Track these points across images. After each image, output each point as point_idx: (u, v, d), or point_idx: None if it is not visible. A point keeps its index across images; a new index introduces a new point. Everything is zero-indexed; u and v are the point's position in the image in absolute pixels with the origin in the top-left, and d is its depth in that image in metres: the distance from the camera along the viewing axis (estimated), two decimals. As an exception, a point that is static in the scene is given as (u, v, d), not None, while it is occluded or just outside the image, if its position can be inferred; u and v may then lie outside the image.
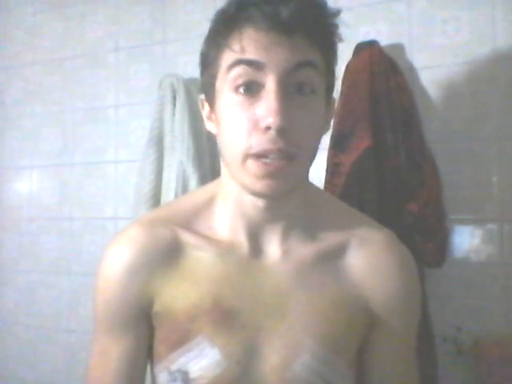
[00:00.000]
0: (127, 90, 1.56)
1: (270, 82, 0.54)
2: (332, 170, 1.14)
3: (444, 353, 1.09)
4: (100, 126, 1.59)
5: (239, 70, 0.55)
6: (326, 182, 1.14)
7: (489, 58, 1.13)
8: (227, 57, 0.57)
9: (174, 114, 1.34)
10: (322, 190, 0.72)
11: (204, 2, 1.41)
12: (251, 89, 0.55)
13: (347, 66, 1.18)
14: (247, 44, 0.55)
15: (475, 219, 1.14)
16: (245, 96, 0.56)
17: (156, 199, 1.35)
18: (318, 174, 1.18)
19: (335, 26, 0.60)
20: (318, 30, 0.57)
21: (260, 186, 0.56)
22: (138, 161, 1.42)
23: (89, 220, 1.59)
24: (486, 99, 1.13)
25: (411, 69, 1.19)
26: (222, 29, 0.58)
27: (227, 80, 0.57)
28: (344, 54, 1.20)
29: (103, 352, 0.66)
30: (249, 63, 0.55)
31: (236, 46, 0.55)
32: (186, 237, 0.65)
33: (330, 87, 0.63)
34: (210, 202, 0.68)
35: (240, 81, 0.55)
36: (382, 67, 1.13)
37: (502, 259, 1.11)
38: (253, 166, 0.56)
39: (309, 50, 0.56)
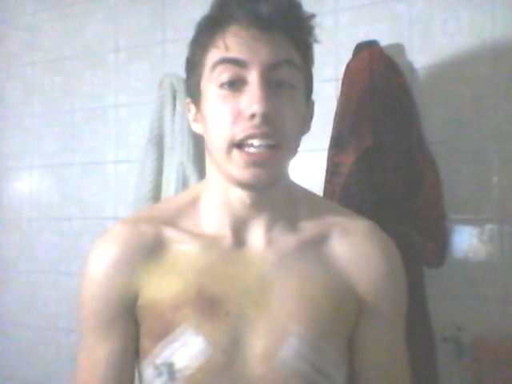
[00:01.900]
0: (127, 89, 1.56)
1: (253, 77, 0.57)
2: (332, 169, 1.14)
3: (444, 353, 1.09)
4: (100, 126, 1.59)
5: (223, 67, 0.58)
6: (326, 181, 1.14)
7: (489, 57, 1.13)
8: (212, 55, 0.60)
9: (173, 114, 1.34)
10: (301, 186, 0.74)
11: (204, 2, 1.40)
12: (235, 84, 0.58)
13: (347, 66, 1.18)
14: (230, 41, 0.58)
15: (475, 219, 1.14)
16: (229, 91, 0.59)
17: (156, 199, 1.35)
18: (318, 174, 1.18)
19: (311, 28, 0.62)
20: (296, 28, 0.60)
21: (245, 175, 0.59)
22: (137, 161, 1.42)
23: (89, 220, 1.59)
24: (486, 99, 1.13)
25: (411, 69, 1.19)
26: (207, 29, 0.62)
27: (212, 77, 0.60)
28: (344, 54, 1.21)
29: (90, 352, 0.66)
30: (232, 61, 0.58)
31: (220, 44, 0.59)
32: (170, 232, 0.66)
33: (308, 87, 0.65)
34: (194, 201, 0.70)
35: (224, 78, 0.59)
36: (382, 67, 1.13)
37: (501, 259, 1.11)
38: (238, 156, 0.58)
39: (287, 48, 0.59)
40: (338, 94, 1.18)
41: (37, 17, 1.73)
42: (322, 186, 1.14)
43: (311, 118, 0.69)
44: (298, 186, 0.74)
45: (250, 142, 0.57)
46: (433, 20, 1.18)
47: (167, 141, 1.35)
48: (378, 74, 1.13)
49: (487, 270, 1.12)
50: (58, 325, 1.60)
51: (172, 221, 0.68)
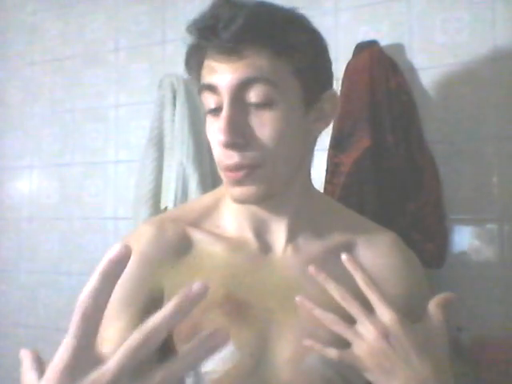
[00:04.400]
0: (127, 90, 1.56)
1: (225, 102, 0.58)
2: (332, 169, 1.14)
3: (444, 353, 1.09)
4: (100, 126, 1.59)
5: (205, 94, 0.61)
6: (326, 181, 1.14)
7: (489, 57, 1.13)
8: (197, 83, 0.63)
9: (173, 114, 1.34)
10: (322, 193, 0.74)
11: (204, 2, 1.41)
12: (217, 111, 0.60)
13: (347, 66, 1.18)
14: (205, 70, 0.60)
15: (475, 219, 1.14)
16: (213, 117, 0.61)
17: (156, 199, 1.35)
18: (318, 174, 1.18)
19: (292, 30, 0.59)
20: (271, 40, 0.57)
21: (233, 193, 0.60)
22: (137, 161, 1.43)
23: (89, 220, 1.59)
24: (486, 99, 1.13)
25: (411, 69, 1.19)
26: (188, 59, 0.64)
27: (202, 103, 0.63)
28: (344, 54, 1.21)
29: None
30: (207, 88, 0.60)
31: (198, 74, 0.62)
32: (195, 234, 0.67)
33: (310, 87, 0.62)
34: (216, 204, 0.70)
35: (207, 104, 0.61)
36: (381, 67, 1.13)
37: (502, 259, 1.11)
38: (224, 176, 0.61)
39: (259, 65, 0.57)
40: (338, 94, 1.19)
41: (37, 17, 1.73)
42: (322, 186, 1.14)
43: (333, 108, 0.66)
44: (319, 193, 0.74)
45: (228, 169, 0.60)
46: (433, 20, 1.18)
47: (167, 141, 1.35)
48: (377, 74, 1.13)
49: (487, 269, 1.12)
50: (58, 325, 1.60)
51: (196, 222, 0.68)
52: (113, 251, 0.35)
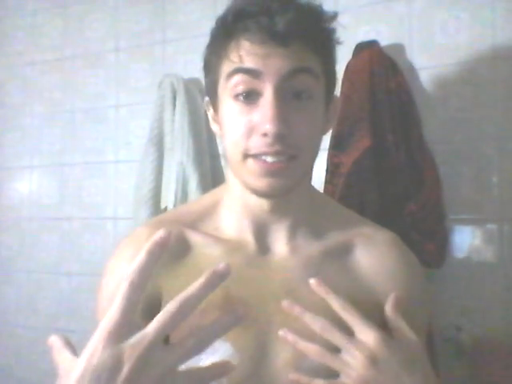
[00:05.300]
0: (127, 90, 1.56)
1: (267, 90, 0.56)
2: (332, 170, 1.14)
3: (444, 353, 1.09)
4: (100, 126, 1.59)
5: (238, 78, 0.58)
6: (326, 181, 1.14)
7: (489, 57, 1.13)
8: (226, 66, 0.59)
9: (173, 114, 1.34)
10: (322, 193, 0.74)
11: (204, 2, 1.41)
12: (250, 97, 0.58)
13: (347, 66, 1.18)
14: (244, 54, 0.57)
15: (475, 219, 1.14)
16: (244, 103, 0.58)
17: (156, 199, 1.35)
18: (318, 173, 1.18)
19: (332, 31, 0.62)
20: (315, 37, 0.59)
21: (260, 184, 0.59)
22: (137, 161, 1.43)
23: (89, 220, 1.59)
24: (486, 99, 1.13)
25: (411, 69, 1.19)
26: (221, 39, 0.61)
27: (227, 87, 0.59)
28: (344, 54, 1.20)
29: None
30: (246, 71, 0.57)
31: (234, 57, 0.58)
32: (193, 236, 0.66)
33: (329, 89, 0.64)
34: (215, 205, 0.70)
35: (239, 89, 0.58)
36: (382, 67, 1.13)
37: (502, 259, 1.11)
38: (253, 164, 0.58)
39: (305, 56, 0.58)
40: (338, 94, 1.18)
41: (37, 16, 1.73)
42: (322, 186, 1.14)
43: (334, 115, 0.68)
44: (319, 193, 0.74)
45: (263, 156, 0.58)
46: (433, 20, 1.18)
47: (167, 141, 1.35)
48: (377, 74, 1.13)
49: (487, 269, 1.12)
50: (57, 325, 1.60)
51: (194, 224, 0.68)
52: (157, 235, 0.42)
